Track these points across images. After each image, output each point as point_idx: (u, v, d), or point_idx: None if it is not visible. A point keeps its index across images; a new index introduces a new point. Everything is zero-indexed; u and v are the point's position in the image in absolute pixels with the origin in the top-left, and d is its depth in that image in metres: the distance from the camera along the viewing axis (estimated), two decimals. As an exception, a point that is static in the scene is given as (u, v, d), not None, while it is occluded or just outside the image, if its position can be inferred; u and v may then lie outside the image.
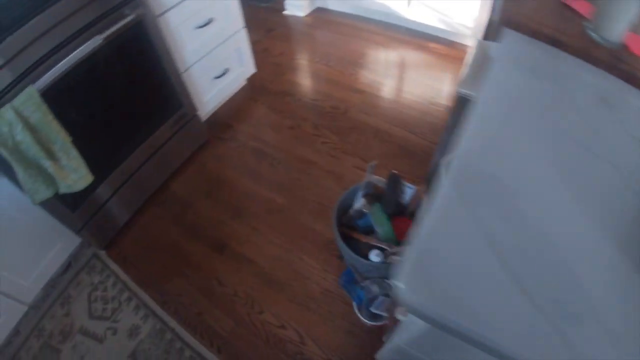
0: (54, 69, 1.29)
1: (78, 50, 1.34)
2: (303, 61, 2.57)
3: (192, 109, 1.96)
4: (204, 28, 1.87)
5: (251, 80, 2.37)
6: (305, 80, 2.43)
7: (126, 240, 1.86)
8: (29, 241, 1.57)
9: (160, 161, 1.92)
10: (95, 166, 1.54)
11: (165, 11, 1.66)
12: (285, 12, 3.02)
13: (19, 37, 1.20)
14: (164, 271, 1.73)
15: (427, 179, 1.62)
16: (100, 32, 1.39)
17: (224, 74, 2.12)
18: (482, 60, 1.22)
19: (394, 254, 1.30)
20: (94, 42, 1.37)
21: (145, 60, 1.64)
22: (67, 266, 1.80)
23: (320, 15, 2.96)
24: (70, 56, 1.32)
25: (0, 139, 1.21)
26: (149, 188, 1.95)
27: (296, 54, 2.66)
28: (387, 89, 2.29)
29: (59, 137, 1.35)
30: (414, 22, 2.61)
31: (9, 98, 1.20)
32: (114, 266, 1.79)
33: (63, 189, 1.41)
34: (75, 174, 1.45)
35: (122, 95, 1.63)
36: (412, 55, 2.50)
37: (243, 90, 2.35)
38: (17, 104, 1.21)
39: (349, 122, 2.12)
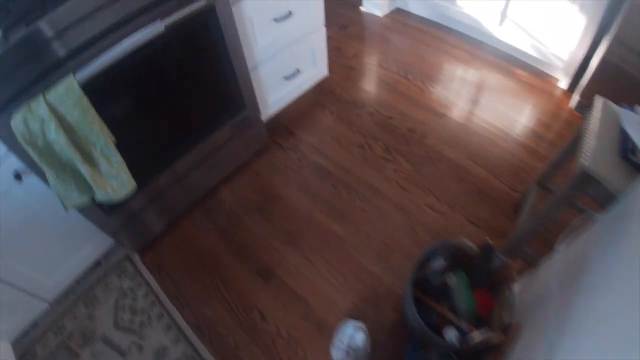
0: (101, 57, 1.06)
1: (133, 36, 1.10)
2: (378, 68, 2.29)
3: (256, 111, 1.72)
4: (281, 21, 1.63)
5: (320, 83, 2.11)
6: (380, 92, 2.15)
7: (163, 247, 1.67)
8: (57, 240, 1.40)
9: (211, 165, 1.70)
10: (140, 169, 1.34)
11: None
12: (362, 9, 2.72)
13: (62, 14, 0.97)
14: (202, 291, 1.54)
15: (510, 246, 1.35)
16: (162, 16, 1.15)
17: (294, 74, 1.86)
18: (612, 131, 1.07)
19: (472, 336, 1.09)
20: (153, 29, 1.14)
21: (211, 54, 1.41)
22: (96, 263, 1.62)
23: (399, 17, 2.66)
24: (122, 43, 1.09)
25: (29, 137, 1.01)
26: (195, 192, 1.74)
27: (371, 58, 2.38)
28: (467, 115, 2.00)
29: (101, 138, 1.14)
30: (502, 42, 2.29)
31: (42, 87, 0.98)
32: (147, 274, 1.61)
33: (100, 197, 1.22)
34: (115, 182, 1.24)
35: (178, 91, 1.41)
36: (496, 80, 2.19)
37: (310, 93, 2.09)
38: (52, 97, 1.00)
39: (425, 150, 1.84)
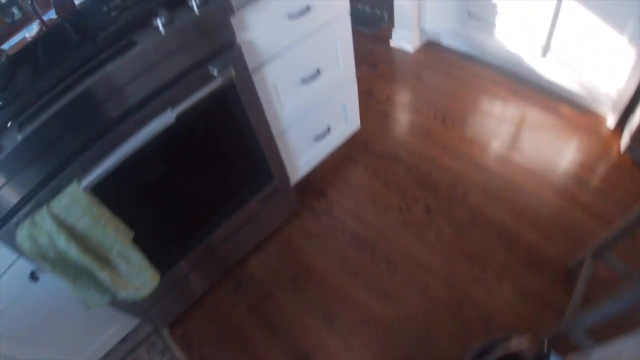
0: (106, 159, 0.97)
1: (140, 133, 1.01)
2: (413, 113, 2.14)
3: (285, 179, 1.60)
4: (309, 82, 1.51)
5: (352, 135, 1.96)
6: (416, 141, 1.99)
7: (193, 321, 1.59)
8: (83, 326, 1.36)
9: (239, 237, 1.60)
10: (163, 254, 1.28)
11: (263, 63, 1.31)
12: (391, 43, 2.57)
13: (58, 111, 0.90)
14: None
15: (567, 332, 1.17)
16: (172, 104, 1.04)
17: (324, 133, 1.73)
18: None
19: None
20: (163, 120, 1.02)
21: (231, 127, 1.30)
22: (123, 337, 1.56)
23: (431, 51, 2.50)
24: (128, 141, 0.99)
25: (38, 252, 0.94)
26: (224, 264, 1.65)
27: (405, 101, 2.23)
28: (510, 165, 1.82)
29: (117, 242, 1.06)
30: (544, 77, 2.09)
31: (44, 196, 0.91)
32: (177, 350, 1.51)
33: (123, 296, 1.13)
34: (137, 280, 1.17)
35: (197, 170, 1.31)
36: (538, 120, 1.99)
37: (341, 147, 1.95)
38: (57, 208, 0.92)
39: (468, 210, 1.67)
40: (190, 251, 1.42)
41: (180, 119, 1.05)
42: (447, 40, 2.50)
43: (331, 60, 1.56)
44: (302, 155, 1.69)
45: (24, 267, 1.04)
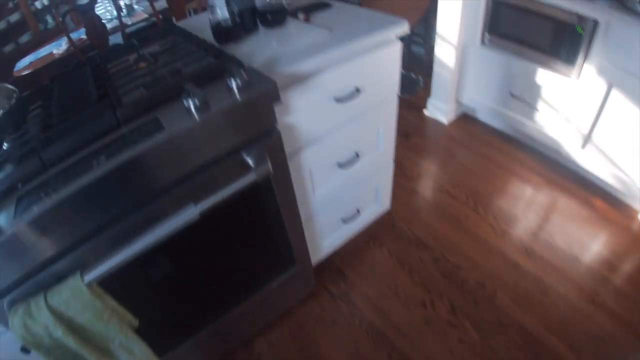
0: (115, 254, 0.86)
1: (157, 229, 0.89)
2: (444, 195, 2.03)
3: (307, 263, 1.48)
4: (346, 166, 1.42)
5: (380, 215, 1.85)
6: (446, 228, 1.88)
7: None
8: None
9: (250, 315, 1.48)
10: (166, 337, 1.19)
11: (301, 148, 1.23)
12: (425, 113, 2.47)
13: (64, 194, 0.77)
14: None
15: None
16: (198, 196, 0.92)
17: (353, 216, 1.61)
18: None
19: None
20: (184, 216, 0.90)
21: (258, 216, 1.21)
22: None
23: (465, 125, 2.40)
24: (143, 237, 0.88)
25: (31, 339, 0.83)
26: (229, 343, 1.51)
27: (436, 180, 2.12)
28: (542, 262, 1.70)
29: (120, 334, 0.94)
30: (581, 167, 2.00)
31: (43, 280, 0.81)
32: None
33: None
34: None
35: (216, 259, 1.20)
36: (571, 211, 1.89)
37: (367, 226, 1.81)
38: (55, 301, 0.81)
39: (495, 312, 1.55)
40: (196, 334, 1.29)
41: (203, 214, 0.92)
42: (484, 116, 2.41)
43: (372, 142, 1.46)
44: (326, 236, 1.58)
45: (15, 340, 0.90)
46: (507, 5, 1.92)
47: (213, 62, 1.00)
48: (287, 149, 1.11)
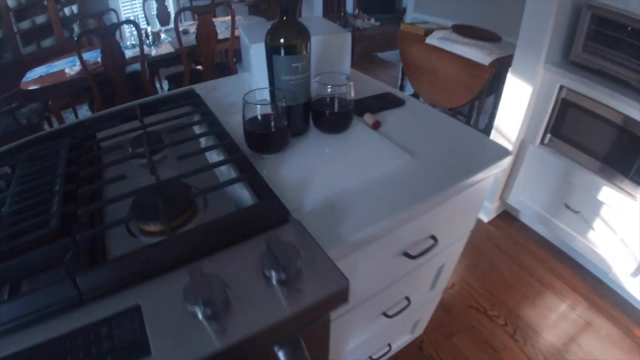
0: None
1: None
2: (481, 315, 1.65)
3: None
4: (394, 313, 1.02)
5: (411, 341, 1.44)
6: (478, 358, 1.49)
7: None
8: None
9: None
10: None
11: (345, 312, 0.84)
12: (464, 205, 2.05)
13: None
14: None
15: None
16: None
17: (385, 352, 1.18)
18: None
19: None
20: None
21: None
22: None
23: (507, 226, 2.01)
24: None
25: None
26: None
27: (472, 293, 1.75)
28: None
29: None
30: (629, 294, 1.65)
31: None
32: None
33: None
34: None
35: None
36: (611, 337, 1.54)
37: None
38: None
39: None
40: None
41: None
42: (528, 220, 2.01)
43: (429, 283, 1.04)
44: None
45: None
46: (577, 107, 1.58)
47: (244, 214, 0.59)
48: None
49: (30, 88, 2.28)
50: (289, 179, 0.71)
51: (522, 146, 1.84)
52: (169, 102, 0.97)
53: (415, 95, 2.44)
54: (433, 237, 0.82)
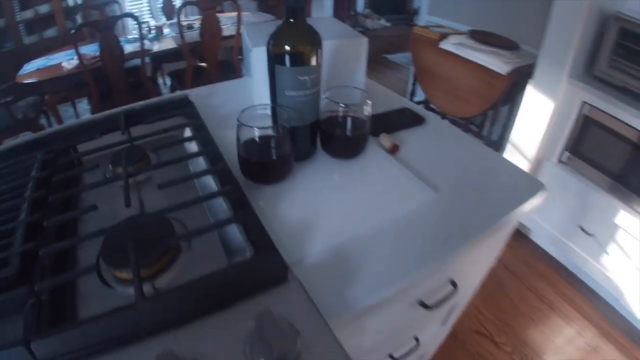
0: None
1: None
2: (487, 341, 1.54)
3: None
4: (401, 356, 0.88)
5: None
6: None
7: None
8: None
9: None
10: None
11: None
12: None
13: None
14: None
15: None
16: None
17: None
18: None
19: None
20: None
21: None
22: None
23: (517, 244, 1.95)
24: None
25: None
26: None
27: (479, 317, 1.63)
28: None
29: None
30: (639, 320, 1.55)
31: None
32: None
33: None
34: None
35: None
36: None
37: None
38: None
39: None
40: None
41: None
42: (539, 239, 1.89)
43: (438, 322, 0.92)
44: None
45: None
46: (599, 125, 1.46)
47: (234, 272, 0.47)
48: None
49: (25, 82, 2.15)
50: (290, 218, 0.58)
51: (538, 163, 1.72)
52: (158, 110, 0.84)
53: (426, 101, 2.31)
54: (452, 282, 0.70)
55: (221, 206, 0.58)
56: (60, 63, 2.26)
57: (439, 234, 0.57)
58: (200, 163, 0.70)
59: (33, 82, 2.15)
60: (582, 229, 1.62)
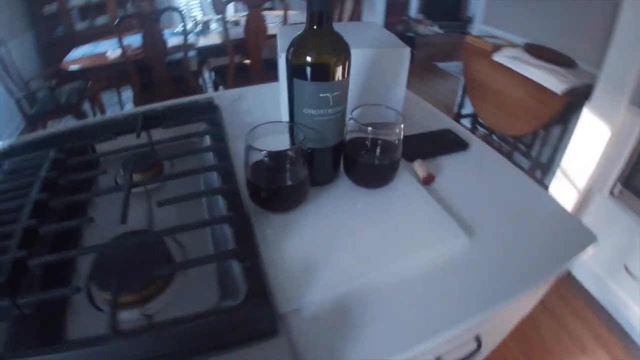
0: None
1: None
2: None
3: None
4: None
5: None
6: None
7: None
8: None
9: None
10: None
11: None
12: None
13: None
14: None
15: None
16: None
17: None
18: None
19: None
20: None
21: None
22: None
23: (560, 279, 1.73)
24: None
25: None
26: None
27: (506, 349, 1.53)
28: None
29: None
30: None
31: None
32: None
33: None
34: None
35: None
36: None
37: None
38: None
39: None
40: None
41: None
42: (580, 275, 1.74)
43: None
44: None
45: None
46: None
47: (220, 319, 0.41)
48: None
49: (70, 69, 2.20)
50: (298, 252, 0.51)
51: (587, 193, 1.57)
52: (181, 113, 0.79)
53: (475, 115, 2.17)
54: (477, 338, 0.61)
55: (224, 232, 0.52)
56: (105, 52, 2.29)
57: (468, 291, 0.49)
58: (214, 177, 0.64)
59: (76, 69, 2.18)
60: (628, 270, 1.46)
